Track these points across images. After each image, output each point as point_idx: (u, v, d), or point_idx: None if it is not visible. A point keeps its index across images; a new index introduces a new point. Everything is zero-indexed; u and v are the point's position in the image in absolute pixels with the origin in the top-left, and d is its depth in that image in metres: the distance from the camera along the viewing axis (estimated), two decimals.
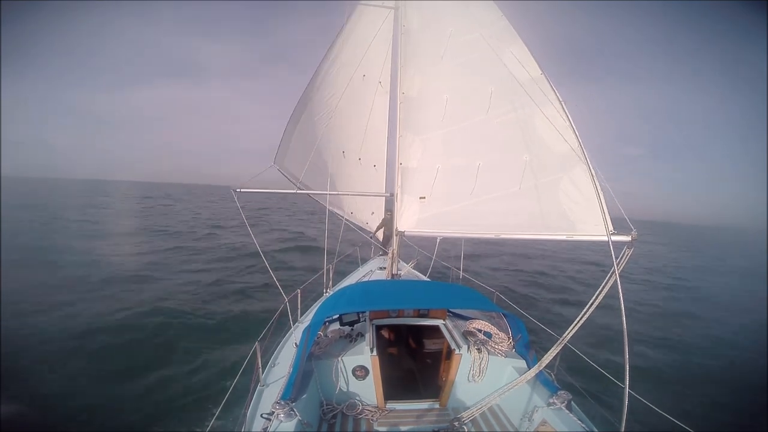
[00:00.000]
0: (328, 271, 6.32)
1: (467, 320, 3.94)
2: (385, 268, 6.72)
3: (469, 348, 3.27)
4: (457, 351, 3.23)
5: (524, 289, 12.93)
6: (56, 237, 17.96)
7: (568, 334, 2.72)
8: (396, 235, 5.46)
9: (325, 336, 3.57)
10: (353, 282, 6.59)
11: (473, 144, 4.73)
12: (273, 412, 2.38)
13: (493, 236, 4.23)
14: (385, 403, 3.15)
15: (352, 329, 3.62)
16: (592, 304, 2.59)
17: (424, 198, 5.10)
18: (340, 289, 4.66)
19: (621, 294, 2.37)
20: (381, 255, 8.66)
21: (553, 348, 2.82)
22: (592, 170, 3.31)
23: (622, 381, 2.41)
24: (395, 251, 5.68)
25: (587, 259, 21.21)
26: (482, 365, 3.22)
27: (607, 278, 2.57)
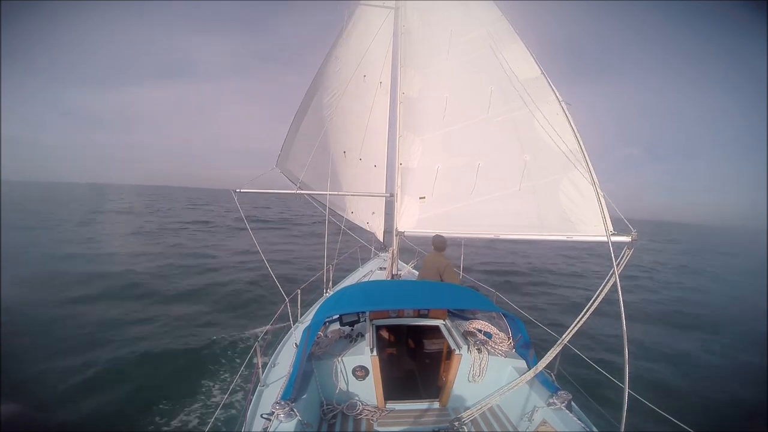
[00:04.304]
0: (328, 271, 6.33)
1: (467, 320, 3.94)
2: (385, 268, 6.73)
3: (469, 348, 3.28)
4: (457, 351, 3.23)
5: None
6: None
7: (568, 334, 2.73)
8: (396, 236, 5.47)
9: (325, 336, 3.58)
10: (353, 282, 6.59)
11: (473, 144, 4.73)
12: (273, 413, 2.39)
13: (492, 236, 4.24)
14: (385, 403, 3.15)
15: (352, 329, 3.62)
16: (591, 304, 2.59)
17: (424, 198, 5.11)
18: (340, 290, 4.66)
19: (620, 294, 2.37)
20: (381, 255, 8.67)
21: (553, 348, 2.82)
22: (592, 171, 3.31)
23: (622, 381, 2.41)
24: (395, 251, 5.69)
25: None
26: (482, 365, 3.22)
27: (606, 279, 2.57)
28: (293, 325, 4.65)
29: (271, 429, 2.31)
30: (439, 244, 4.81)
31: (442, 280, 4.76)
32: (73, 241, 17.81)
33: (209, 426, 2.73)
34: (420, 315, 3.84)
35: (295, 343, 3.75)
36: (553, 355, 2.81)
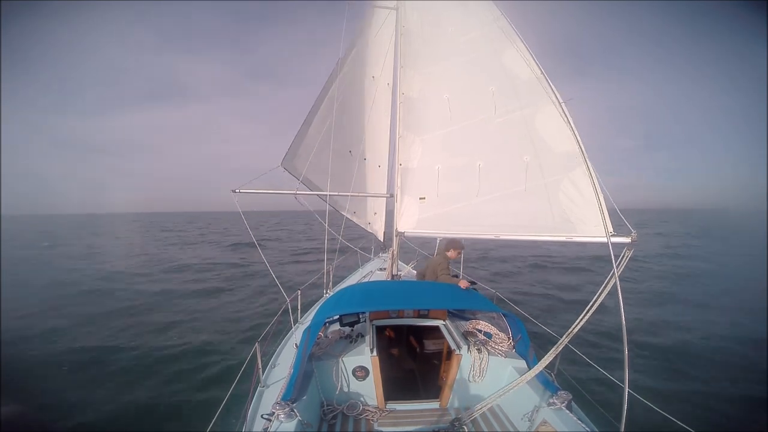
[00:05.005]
0: (328, 272, 6.33)
1: (467, 321, 3.95)
2: (385, 268, 6.73)
3: (469, 348, 3.28)
4: (457, 351, 3.23)
5: None
6: None
7: (569, 334, 2.73)
8: (396, 236, 5.47)
9: (326, 337, 3.58)
10: (353, 283, 6.59)
11: (474, 144, 4.72)
12: (273, 413, 2.39)
13: (493, 237, 4.23)
14: (386, 403, 3.15)
15: (352, 330, 3.63)
16: (592, 305, 2.59)
17: (424, 198, 5.10)
18: (340, 290, 4.66)
19: (620, 295, 2.37)
20: (381, 255, 8.67)
21: (553, 348, 2.82)
22: (593, 172, 3.30)
23: (622, 381, 2.41)
24: (395, 252, 5.68)
25: None
26: (482, 365, 3.22)
27: (606, 280, 2.57)
28: (293, 325, 4.65)
29: (272, 429, 2.31)
30: (444, 244, 4.84)
31: (437, 279, 4.77)
32: None
33: (209, 426, 2.73)
34: (420, 315, 3.84)
35: (296, 344, 3.75)
36: (554, 356, 2.81)
